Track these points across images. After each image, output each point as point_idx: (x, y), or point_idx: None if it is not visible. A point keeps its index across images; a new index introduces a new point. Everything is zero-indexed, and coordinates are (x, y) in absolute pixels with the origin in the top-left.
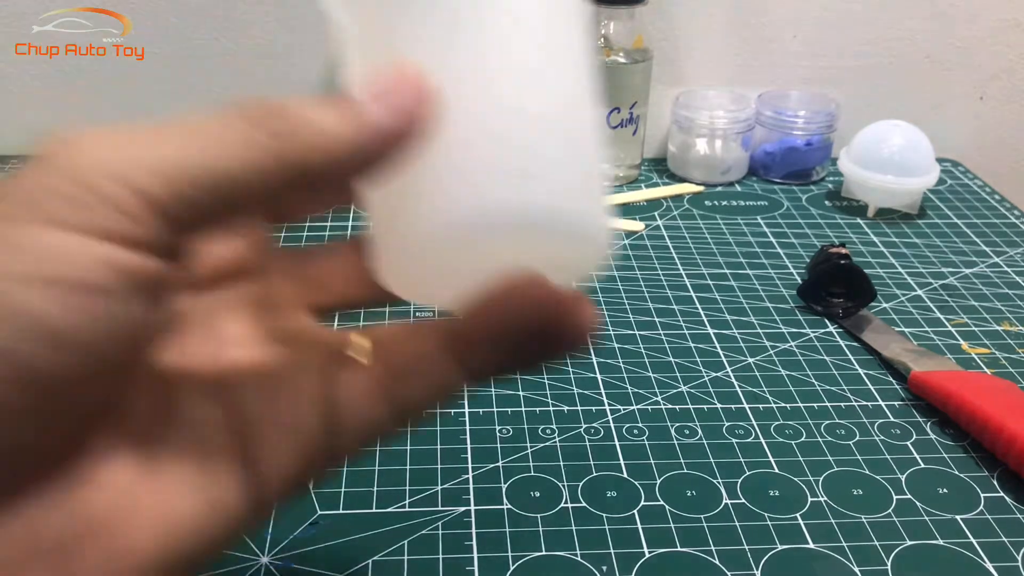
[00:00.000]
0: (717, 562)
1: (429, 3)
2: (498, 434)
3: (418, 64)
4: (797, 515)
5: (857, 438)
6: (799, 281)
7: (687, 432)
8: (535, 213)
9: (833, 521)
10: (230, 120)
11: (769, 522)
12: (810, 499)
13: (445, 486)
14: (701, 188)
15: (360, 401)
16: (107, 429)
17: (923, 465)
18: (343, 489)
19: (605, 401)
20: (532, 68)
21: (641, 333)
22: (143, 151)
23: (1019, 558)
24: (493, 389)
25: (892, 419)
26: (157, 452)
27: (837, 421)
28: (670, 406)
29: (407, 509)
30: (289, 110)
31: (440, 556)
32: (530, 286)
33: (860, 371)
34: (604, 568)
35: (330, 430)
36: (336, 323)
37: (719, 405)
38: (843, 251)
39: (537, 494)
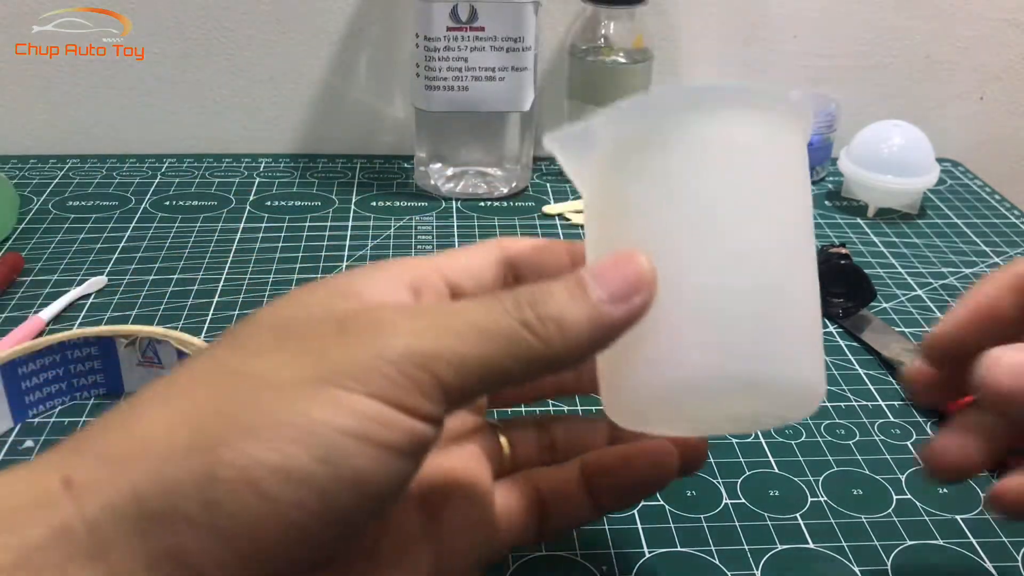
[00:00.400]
0: (717, 562)
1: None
2: None
3: (651, 244)
4: (797, 515)
5: (857, 438)
6: None
7: None
8: (764, 380)
9: (833, 521)
10: (501, 318)
11: (769, 522)
12: (810, 499)
13: None
14: None
15: (515, 522)
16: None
17: (923, 465)
18: None
19: None
20: (763, 246)
21: None
22: (440, 344)
23: (1019, 558)
24: None
25: (892, 419)
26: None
27: (837, 421)
28: None
29: None
30: (543, 307)
31: None
32: (667, 455)
33: (860, 371)
34: (604, 568)
35: (490, 542)
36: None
37: None
38: (843, 251)
39: None
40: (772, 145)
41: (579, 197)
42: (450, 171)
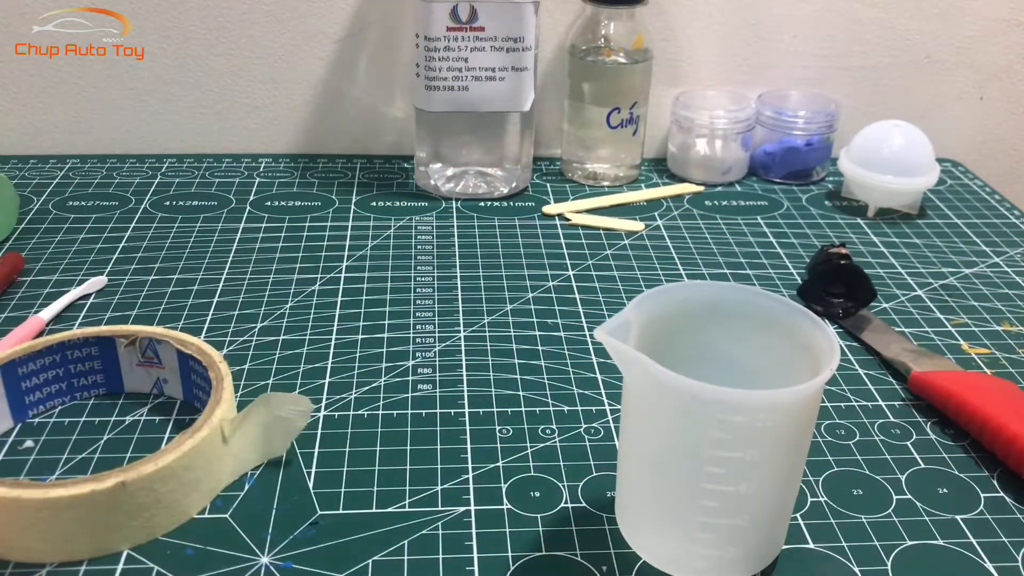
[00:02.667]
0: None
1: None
2: (498, 434)
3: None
4: (797, 515)
5: (857, 438)
6: (799, 281)
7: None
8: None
9: (833, 521)
10: None
11: None
12: (810, 499)
13: (445, 486)
14: (701, 188)
15: None
16: None
17: (923, 465)
18: (343, 489)
19: (605, 401)
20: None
21: None
22: None
23: (1019, 558)
24: (493, 389)
25: (892, 419)
26: None
27: (837, 421)
28: None
29: (407, 509)
30: None
31: (440, 556)
32: None
33: (860, 371)
34: (604, 568)
35: None
36: None
37: None
38: (843, 251)
39: (537, 494)
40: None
41: (579, 197)
42: (450, 171)
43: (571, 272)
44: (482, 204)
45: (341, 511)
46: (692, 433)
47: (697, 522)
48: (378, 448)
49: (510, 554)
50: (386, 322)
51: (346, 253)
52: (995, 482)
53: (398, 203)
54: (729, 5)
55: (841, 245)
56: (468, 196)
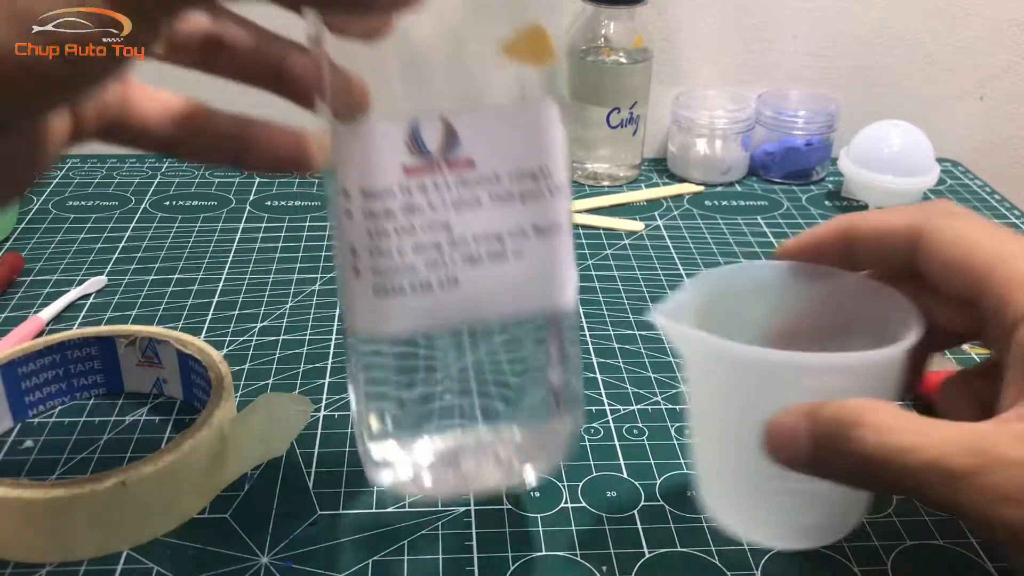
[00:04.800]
0: (717, 562)
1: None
2: None
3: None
4: None
5: None
6: None
7: (687, 432)
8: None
9: None
10: None
11: None
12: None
13: None
14: (701, 188)
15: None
16: None
17: None
18: (343, 489)
19: (605, 401)
20: None
21: (641, 333)
22: None
23: None
24: None
25: None
26: None
27: None
28: (670, 406)
29: (407, 509)
30: None
31: (440, 556)
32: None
33: None
34: (604, 568)
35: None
36: None
37: None
38: None
39: (537, 494)
40: None
41: (579, 196)
42: None
43: None
44: None
45: (341, 511)
46: (765, 402)
47: (778, 488)
48: None
49: (510, 554)
50: None
51: None
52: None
53: None
54: (729, 5)
55: None
56: None
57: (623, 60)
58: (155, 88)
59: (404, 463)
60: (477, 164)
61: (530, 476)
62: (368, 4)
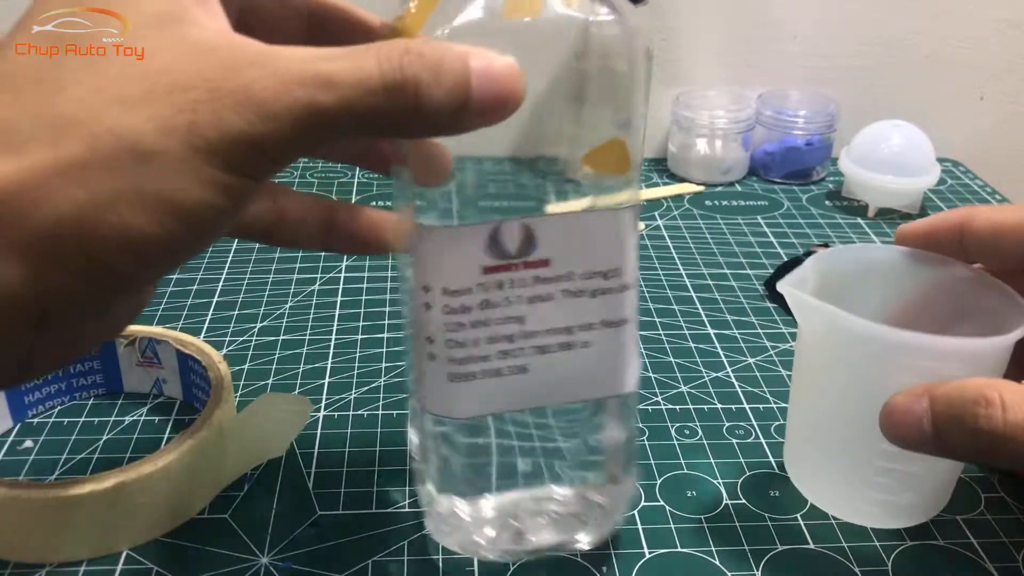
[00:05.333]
0: (717, 562)
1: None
2: None
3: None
4: (797, 515)
5: None
6: None
7: (687, 432)
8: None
9: (833, 521)
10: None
11: (769, 522)
12: (811, 500)
13: None
14: (701, 188)
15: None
16: None
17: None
18: (343, 489)
19: None
20: None
21: (641, 333)
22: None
23: (1019, 558)
24: None
25: None
26: None
27: None
28: (670, 406)
29: (407, 509)
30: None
31: (440, 556)
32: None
33: None
34: (604, 568)
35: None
36: None
37: (719, 405)
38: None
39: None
40: None
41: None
42: None
43: None
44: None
45: (341, 511)
46: (878, 379)
47: (875, 466)
48: (378, 448)
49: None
50: (386, 322)
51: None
52: (995, 482)
53: None
54: (729, 5)
55: (823, 245)
56: None
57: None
58: None
59: (465, 520)
60: (552, 264)
61: (585, 540)
62: (461, 128)
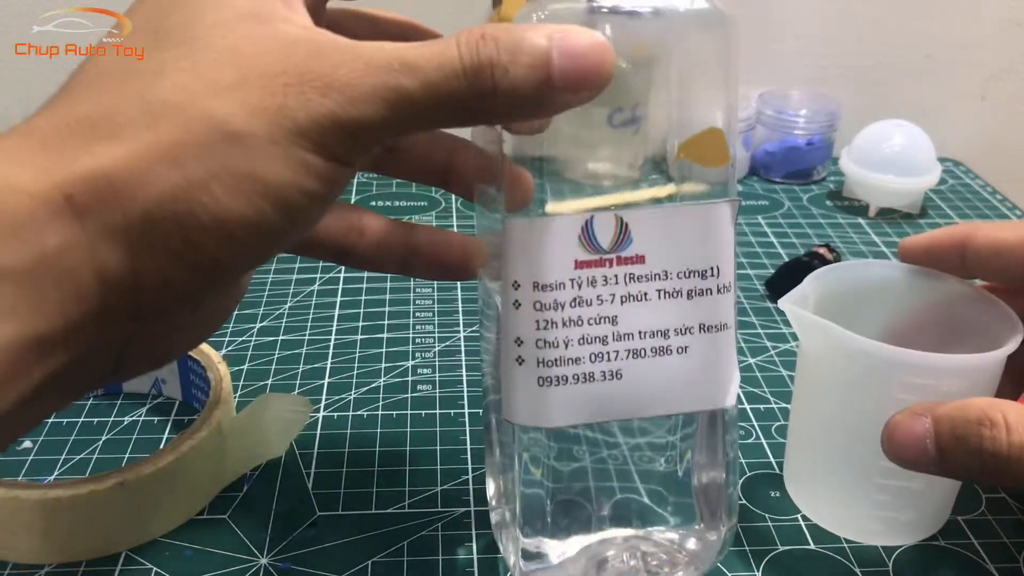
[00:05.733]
0: (717, 562)
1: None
2: None
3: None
4: (797, 515)
5: None
6: None
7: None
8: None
9: None
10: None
11: (769, 522)
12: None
13: (445, 487)
14: (702, 188)
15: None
16: None
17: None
18: (343, 490)
19: None
20: None
21: None
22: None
23: (1020, 559)
24: None
25: None
26: None
27: None
28: None
29: (407, 510)
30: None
31: (440, 556)
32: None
33: None
34: None
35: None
36: None
37: None
38: (821, 251)
39: None
40: None
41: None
42: None
43: None
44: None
45: (341, 511)
46: (875, 396)
47: (874, 484)
48: (378, 448)
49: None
50: (386, 322)
51: None
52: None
53: (397, 203)
54: (729, 5)
55: (825, 246)
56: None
57: (623, 64)
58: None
59: (552, 558)
60: (647, 260)
61: None
62: (547, 107)
